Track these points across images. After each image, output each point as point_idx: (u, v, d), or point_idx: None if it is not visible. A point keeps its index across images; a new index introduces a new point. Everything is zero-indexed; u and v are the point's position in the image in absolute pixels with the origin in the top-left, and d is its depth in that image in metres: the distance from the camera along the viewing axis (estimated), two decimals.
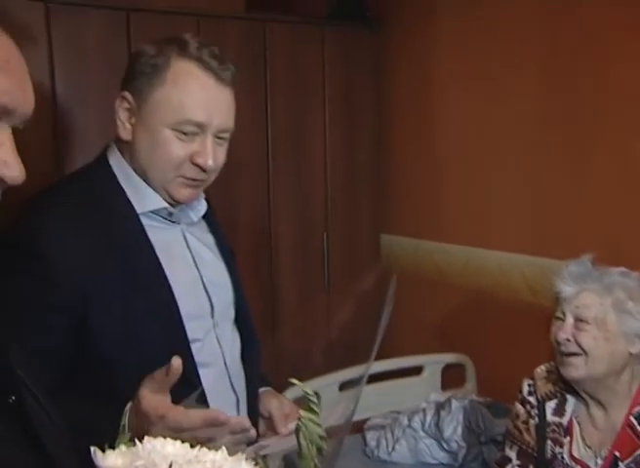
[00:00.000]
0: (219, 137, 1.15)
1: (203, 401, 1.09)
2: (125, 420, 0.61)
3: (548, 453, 1.46)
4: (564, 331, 1.40)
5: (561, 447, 1.45)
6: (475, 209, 2.42)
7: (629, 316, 1.39)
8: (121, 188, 1.15)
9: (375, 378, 2.23)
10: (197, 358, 1.13)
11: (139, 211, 1.15)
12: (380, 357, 2.59)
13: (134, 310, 1.08)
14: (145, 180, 1.15)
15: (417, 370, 2.34)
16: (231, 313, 1.28)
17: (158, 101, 1.10)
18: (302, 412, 0.58)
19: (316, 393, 1.95)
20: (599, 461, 1.41)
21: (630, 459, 1.36)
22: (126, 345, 1.06)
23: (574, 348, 1.39)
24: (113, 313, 1.07)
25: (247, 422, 0.97)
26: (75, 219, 1.08)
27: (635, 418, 1.38)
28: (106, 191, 1.14)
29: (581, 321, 1.39)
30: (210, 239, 1.31)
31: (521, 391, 1.54)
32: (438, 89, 2.50)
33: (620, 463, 1.37)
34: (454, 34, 2.42)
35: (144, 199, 1.15)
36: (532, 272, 2.22)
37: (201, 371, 1.14)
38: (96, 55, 2.06)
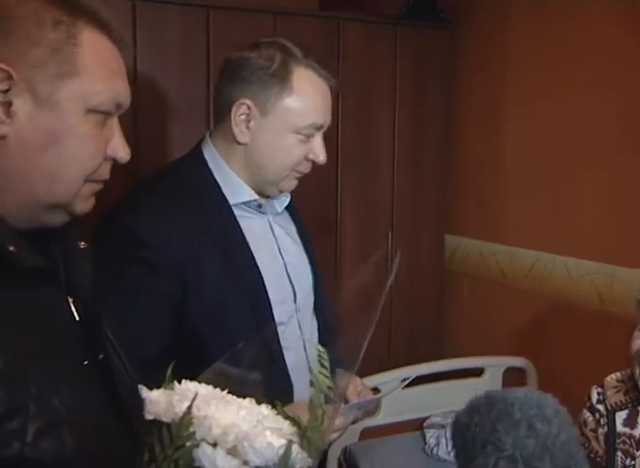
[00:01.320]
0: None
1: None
2: (169, 371, 0.71)
3: (618, 464, 1.47)
4: None
5: (633, 459, 1.46)
6: (544, 212, 2.43)
7: None
8: (215, 181, 1.27)
9: (435, 377, 2.29)
10: (282, 341, 1.23)
11: (231, 202, 1.26)
12: (441, 356, 2.66)
13: (226, 295, 1.19)
14: (251, 175, 1.27)
15: (478, 372, 2.38)
16: (311, 300, 1.38)
17: (286, 109, 1.22)
18: (315, 367, 0.69)
19: (376, 388, 2.03)
20: None
21: None
22: (217, 328, 1.17)
23: None
24: (207, 298, 1.18)
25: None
26: (172, 211, 1.20)
27: None
28: (201, 184, 1.26)
29: None
30: (292, 228, 1.43)
31: (589, 398, 1.55)
32: (510, 91, 2.52)
33: None
34: (528, 36, 2.43)
35: (237, 191, 1.27)
36: (601, 279, 2.23)
37: (285, 354, 1.24)
38: (176, 50, 2.19)
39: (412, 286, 2.70)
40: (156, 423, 0.60)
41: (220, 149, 1.29)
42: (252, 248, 1.26)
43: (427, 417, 2.24)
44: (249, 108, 1.23)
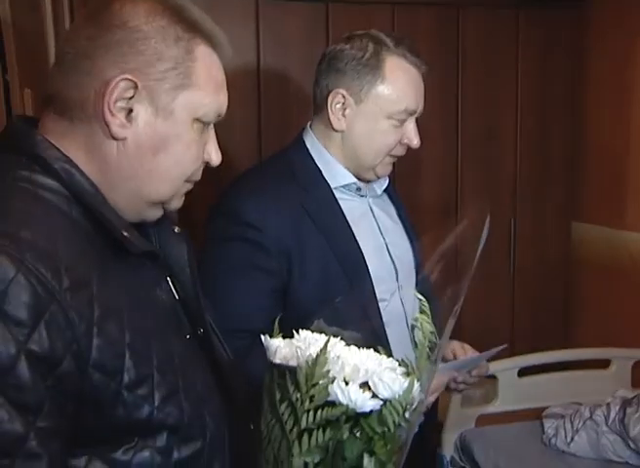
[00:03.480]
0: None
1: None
2: (276, 324, 0.82)
3: None
4: None
5: None
6: None
7: None
8: (317, 167, 1.43)
9: (558, 367, 2.35)
10: (383, 316, 1.37)
11: (332, 185, 1.43)
12: (565, 346, 2.69)
13: (329, 273, 1.36)
14: (349, 161, 1.43)
15: (604, 364, 2.40)
16: (413, 279, 1.49)
17: (379, 96, 1.37)
18: (418, 315, 0.81)
19: (494, 375, 2.13)
20: None
21: None
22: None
23: None
24: (311, 276, 1.35)
25: None
26: (277, 195, 1.37)
27: None
28: (304, 170, 1.43)
29: None
30: (392, 210, 1.57)
31: None
32: None
33: None
34: None
35: (337, 175, 1.44)
36: None
37: (387, 329, 1.37)
38: (298, 44, 2.39)
39: (536, 274, 2.76)
40: (278, 367, 0.77)
41: (320, 137, 1.45)
42: (353, 228, 1.41)
43: (546, 407, 2.30)
44: (344, 97, 1.38)
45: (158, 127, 0.86)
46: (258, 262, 1.34)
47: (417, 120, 1.45)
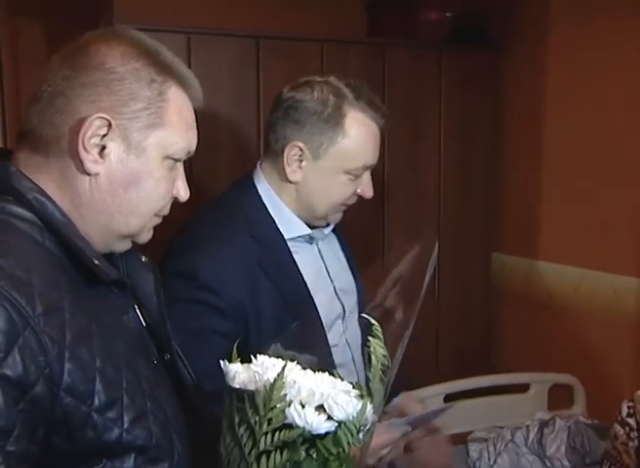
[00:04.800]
0: None
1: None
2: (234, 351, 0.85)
3: None
4: None
5: None
6: (590, 229, 2.63)
7: None
8: (271, 217, 1.43)
9: (481, 392, 2.48)
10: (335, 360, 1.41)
11: (286, 236, 1.44)
12: (486, 372, 2.84)
13: (283, 327, 1.37)
14: (302, 211, 1.44)
15: (523, 388, 2.55)
16: (356, 315, 1.54)
17: (339, 153, 1.39)
18: (371, 339, 0.86)
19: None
20: None
21: None
22: None
23: None
24: (267, 333, 1.33)
25: None
26: (230, 250, 1.36)
27: None
28: (259, 220, 1.43)
29: None
30: (337, 246, 1.61)
31: (620, 412, 1.70)
32: (554, 111, 2.73)
33: None
34: (569, 52, 2.64)
35: (291, 226, 1.44)
36: None
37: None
38: (228, 78, 2.46)
39: (459, 302, 2.92)
40: (236, 391, 0.82)
41: (273, 184, 1.45)
42: (305, 279, 1.43)
43: (471, 432, 2.42)
44: (302, 150, 1.39)
45: (130, 163, 0.92)
46: (214, 326, 1.34)
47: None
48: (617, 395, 1.76)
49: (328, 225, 1.53)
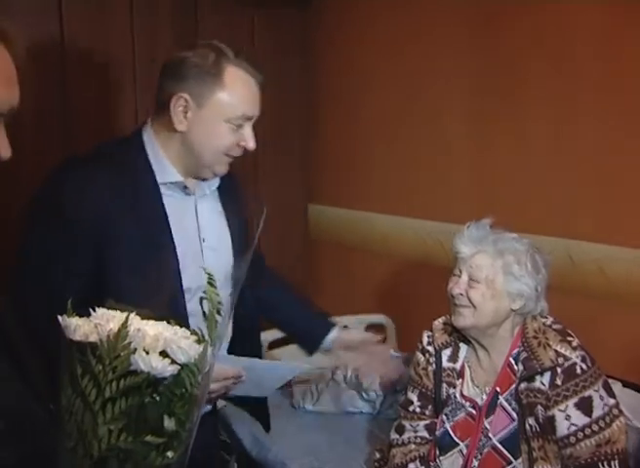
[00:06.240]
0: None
1: None
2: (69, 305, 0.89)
3: (444, 394, 1.86)
4: (458, 287, 1.77)
5: (454, 388, 1.85)
6: (399, 180, 2.88)
7: (514, 278, 1.74)
8: (148, 161, 1.55)
9: None
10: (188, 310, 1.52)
11: (159, 180, 1.55)
12: None
13: (142, 269, 1.45)
14: (188, 159, 1.56)
15: None
16: (229, 277, 1.61)
17: (218, 101, 1.52)
18: (207, 287, 0.95)
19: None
20: (484, 397, 1.80)
21: (507, 393, 1.77)
22: (132, 287, 1.37)
23: (465, 301, 1.75)
24: (124, 268, 1.46)
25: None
26: (102, 190, 1.47)
27: (513, 359, 1.77)
28: (134, 163, 1.54)
29: (474, 280, 1.75)
30: (220, 209, 1.70)
31: (421, 341, 1.93)
32: (367, 60, 2.94)
33: (499, 397, 1.78)
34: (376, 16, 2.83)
35: (165, 172, 1.56)
36: (446, 238, 2.69)
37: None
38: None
39: (278, 253, 3.05)
40: (77, 344, 0.86)
41: (159, 135, 1.57)
42: (172, 224, 1.54)
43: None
44: (186, 101, 1.51)
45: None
46: (74, 249, 1.46)
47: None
48: (424, 328, 1.96)
49: (215, 176, 1.62)
